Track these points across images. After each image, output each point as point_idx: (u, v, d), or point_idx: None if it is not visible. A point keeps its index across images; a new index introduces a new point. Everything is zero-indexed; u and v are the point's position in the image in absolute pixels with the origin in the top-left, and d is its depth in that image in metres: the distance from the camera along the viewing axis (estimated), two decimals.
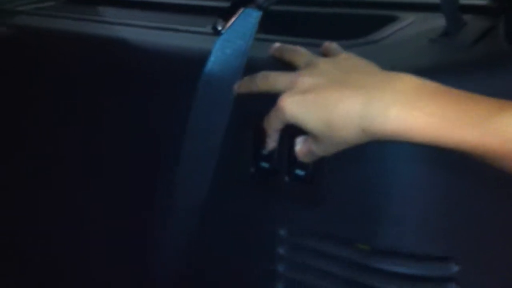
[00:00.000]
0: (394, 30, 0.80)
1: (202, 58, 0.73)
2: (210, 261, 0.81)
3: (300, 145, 0.65)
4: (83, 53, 0.90)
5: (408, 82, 0.57)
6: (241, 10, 0.71)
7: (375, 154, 0.67)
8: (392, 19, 0.84)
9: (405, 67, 0.66)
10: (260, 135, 0.68)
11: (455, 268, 0.67)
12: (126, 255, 0.93)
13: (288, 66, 0.67)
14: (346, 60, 0.64)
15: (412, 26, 0.81)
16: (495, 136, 0.52)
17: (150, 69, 0.84)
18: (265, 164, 0.73)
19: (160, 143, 0.84)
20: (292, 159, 0.68)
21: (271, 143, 0.68)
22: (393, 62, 0.69)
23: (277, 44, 0.72)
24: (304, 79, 0.61)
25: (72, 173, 0.96)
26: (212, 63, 0.74)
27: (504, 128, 0.52)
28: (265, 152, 0.72)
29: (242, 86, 0.69)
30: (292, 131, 0.64)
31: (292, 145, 0.66)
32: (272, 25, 0.82)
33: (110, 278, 0.97)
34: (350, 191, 0.70)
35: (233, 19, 0.71)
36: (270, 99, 0.62)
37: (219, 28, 0.74)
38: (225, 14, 0.72)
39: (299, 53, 0.68)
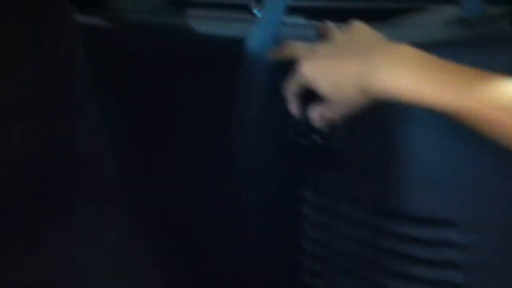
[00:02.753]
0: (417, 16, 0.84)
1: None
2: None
3: (313, 111, 0.71)
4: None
5: (403, 49, 0.62)
6: None
7: (385, 120, 0.72)
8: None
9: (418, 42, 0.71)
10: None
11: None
12: None
13: None
14: (358, 30, 0.69)
15: (432, 14, 0.85)
16: (474, 102, 0.56)
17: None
18: (289, 131, 0.79)
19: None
20: (311, 127, 0.74)
21: (291, 107, 0.73)
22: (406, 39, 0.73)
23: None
24: (320, 48, 0.68)
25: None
26: (252, 43, 0.81)
27: (482, 95, 0.56)
28: (290, 120, 0.78)
29: (272, 53, 0.77)
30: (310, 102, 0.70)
31: None
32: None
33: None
34: (364, 156, 0.74)
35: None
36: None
37: (255, 10, 0.81)
38: None
39: (327, 25, 0.74)
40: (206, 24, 1.02)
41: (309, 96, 0.70)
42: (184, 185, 1.00)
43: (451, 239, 0.71)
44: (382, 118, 0.71)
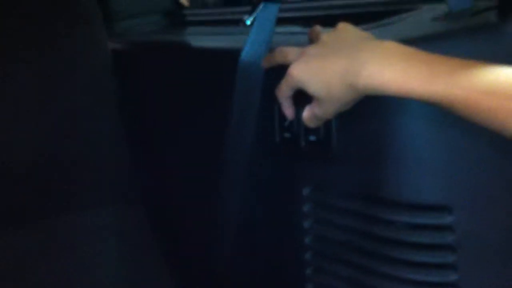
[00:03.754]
0: (406, 15, 0.85)
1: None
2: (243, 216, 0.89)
3: (305, 111, 0.71)
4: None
5: (388, 45, 0.63)
6: (261, 4, 0.79)
7: (377, 113, 0.73)
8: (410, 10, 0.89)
9: (404, 38, 0.71)
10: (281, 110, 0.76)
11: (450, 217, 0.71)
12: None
13: None
14: (344, 30, 0.70)
15: (421, 12, 0.86)
16: (460, 89, 0.57)
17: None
18: (287, 134, 0.80)
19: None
20: (306, 128, 0.75)
21: (286, 110, 0.75)
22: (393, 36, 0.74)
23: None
24: (309, 50, 0.69)
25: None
26: (245, 53, 0.83)
27: (468, 82, 0.57)
28: (286, 123, 0.79)
29: (265, 61, 0.79)
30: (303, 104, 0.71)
31: None
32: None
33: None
34: (356, 150, 0.75)
35: (255, 13, 0.80)
36: None
37: (247, 22, 0.83)
38: (251, 9, 0.81)
39: (315, 29, 0.76)
40: (205, 39, 1.04)
41: (301, 98, 0.71)
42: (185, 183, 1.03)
43: (446, 223, 0.71)
44: (373, 110, 0.72)
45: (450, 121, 0.69)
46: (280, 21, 0.89)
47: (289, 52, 0.72)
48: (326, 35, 0.70)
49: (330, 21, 0.79)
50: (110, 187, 1.11)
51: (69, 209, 1.07)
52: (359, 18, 0.85)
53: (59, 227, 1.06)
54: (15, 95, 1.00)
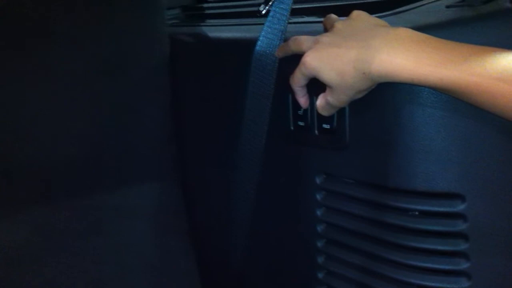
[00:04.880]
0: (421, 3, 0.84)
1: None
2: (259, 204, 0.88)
3: (319, 100, 0.71)
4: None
5: (401, 32, 0.62)
6: None
7: (389, 102, 0.72)
8: None
9: (417, 25, 0.70)
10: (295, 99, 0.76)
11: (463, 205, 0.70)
12: None
13: None
14: (358, 18, 0.70)
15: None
16: (473, 75, 0.56)
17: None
18: (301, 123, 0.79)
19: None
20: (320, 116, 0.75)
21: (301, 99, 0.74)
22: (407, 23, 0.73)
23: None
24: (323, 39, 0.68)
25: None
26: (260, 43, 0.82)
27: (481, 68, 0.56)
28: (300, 112, 0.78)
29: (280, 51, 0.78)
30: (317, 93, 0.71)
31: None
32: None
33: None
34: (369, 138, 0.74)
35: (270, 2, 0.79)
36: None
37: (263, 11, 0.82)
38: None
39: (330, 17, 0.76)
40: (220, 30, 1.03)
41: (315, 87, 0.70)
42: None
43: (458, 211, 0.71)
44: (386, 99, 0.71)
45: (463, 109, 0.68)
46: (295, 11, 0.88)
47: (303, 41, 0.72)
48: (340, 23, 0.70)
49: (345, 10, 0.78)
50: (151, 172, 1.12)
51: (107, 192, 1.07)
52: (374, 6, 0.84)
53: (94, 208, 1.07)
54: (73, 85, 1.00)
